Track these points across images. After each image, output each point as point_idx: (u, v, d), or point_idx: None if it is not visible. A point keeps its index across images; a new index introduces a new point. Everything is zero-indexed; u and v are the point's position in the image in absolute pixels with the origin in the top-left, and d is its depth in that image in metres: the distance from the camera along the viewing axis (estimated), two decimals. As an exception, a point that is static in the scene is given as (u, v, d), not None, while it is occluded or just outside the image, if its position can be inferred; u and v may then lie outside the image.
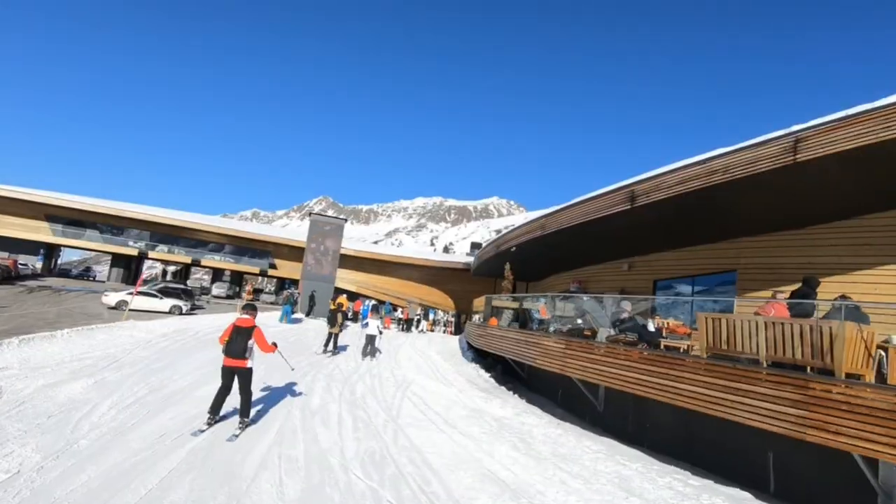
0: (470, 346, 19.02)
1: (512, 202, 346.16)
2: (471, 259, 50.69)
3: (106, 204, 47.67)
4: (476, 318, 23.20)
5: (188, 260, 47.62)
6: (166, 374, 8.84)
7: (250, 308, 6.80)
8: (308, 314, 26.10)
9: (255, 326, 6.42)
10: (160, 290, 30.99)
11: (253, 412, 7.35)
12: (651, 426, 9.46)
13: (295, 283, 43.15)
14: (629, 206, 12.46)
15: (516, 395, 11.98)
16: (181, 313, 26.57)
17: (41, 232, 43.72)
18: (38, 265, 44.34)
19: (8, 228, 42.52)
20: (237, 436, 6.07)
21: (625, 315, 9.75)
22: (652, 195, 11.95)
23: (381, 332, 16.01)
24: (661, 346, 8.86)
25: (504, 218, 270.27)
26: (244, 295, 50.03)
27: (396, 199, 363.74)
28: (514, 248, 18.58)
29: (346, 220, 32.53)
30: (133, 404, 6.93)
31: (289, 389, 9.27)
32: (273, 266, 49.50)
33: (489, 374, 13.84)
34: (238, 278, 53.87)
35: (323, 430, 7.01)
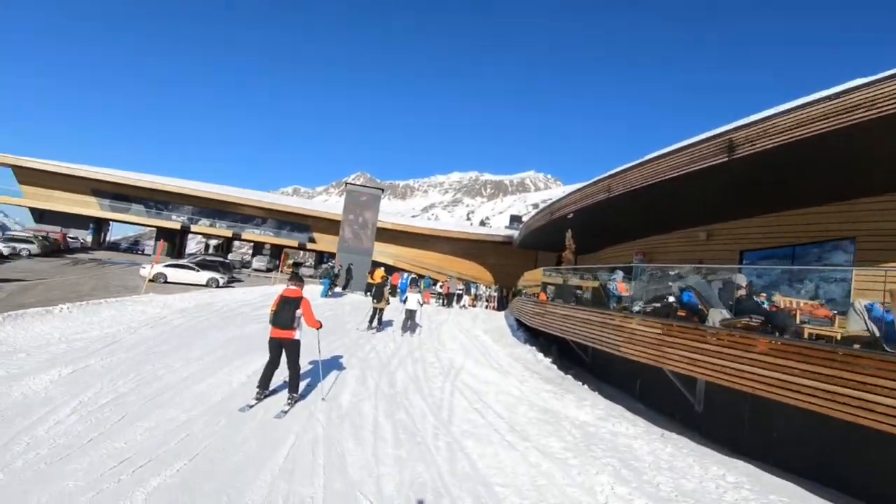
0: (520, 325, 16.87)
1: (549, 176, 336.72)
2: (511, 232, 48.19)
3: (150, 178, 47.58)
4: (525, 293, 20.97)
5: (229, 234, 47.23)
6: (166, 362, 7.11)
7: (297, 279, 6.33)
8: (344, 288, 24.51)
9: (302, 297, 6.06)
10: (198, 263, 30.29)
11: (265, 411, 5.52)
12: (779, 437, 7.12)
13: (333, 256, 41.94)
14: (725, 159, 9.86)
15: (586, 387, 9.79)
16: (218, 286, 25.60)
17: (89, 206, 43.99)
18: (89, 239, 44.86)
19: (58, 203, 42.94)
20: (286, 412, 5.72)
21: (742, 292, 7.34)
22: (757, 143, 9.32)
23: (420, 306, 14.25)
24: (805, 334, 6.43)
25: (541, 192, 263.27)
26: (284, 269, 49.71)
27: (432, 174, 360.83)
28: (570, 215, 16.11)
29: (382, 190, 30.59)
30: (106, 406, 5.16)
31: (315, 380, 7.41)
32: (312, 240, 48.64)
33: (549, 360, 11.69)
34: (278, 252, 53.43)
35: (353, 446, 5.07)
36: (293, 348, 6.00)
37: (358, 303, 19.91)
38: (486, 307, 27.38)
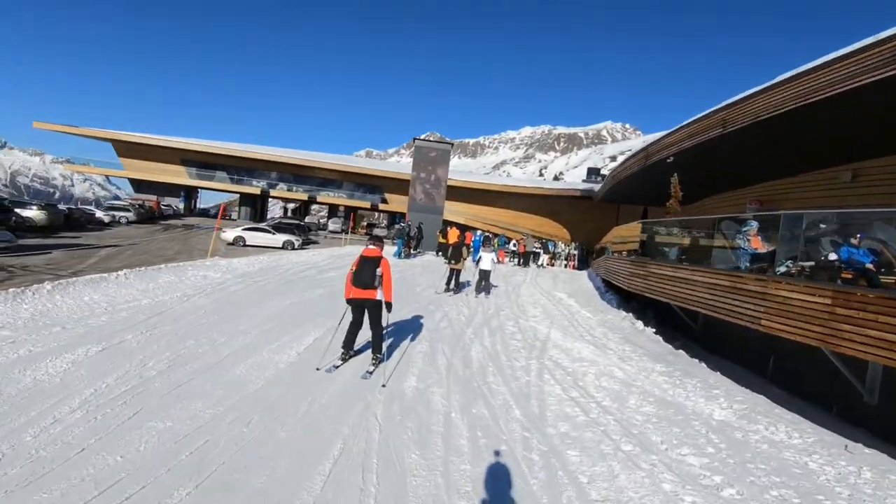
0: (608, 286, 14.87)
1: (627, 126, 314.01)
2: (588, 186, 44.68)
3: (232, 146, 49.25)
4: (614, 251, 18.71)
5: (305, 197, 48.12)
6: (210, 335, 6.22)
7: (377, 239, 6.22)
8: (416, 248, 23.47)
9: (381, 257, 5.85)
10: (274, 226, 30.79)
11: (310, 402, 4.38)
12: None
13: (405, 216, 41.34)
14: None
15: (704, 366, 7.85)
16: (293, 248, 25.74)
17: (179, 175, 46.45)
18: (181, 206, 47.68)
19: (153, 173, 45.64)
20: (371, 373, 5.62)
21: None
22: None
23: (494, 266, 12.96)
24: None
25: (618, 143, 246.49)
26: (358, 230, 50.20)
27: (503, 130, 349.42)
28: (670, 159, 13.55)
29: (451, 145, 28.86)
30: (121, 397, 4.22)
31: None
32: (384, 200, 48.42)
33: (651, 329, 9.77)
34: (352, 213, 54.06)
35: (416, 457, 3.76)
36: (375, 308, 5.76)
37: (429, 264, 18.79)
38: (566, 266, 25.34)
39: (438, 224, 26.28)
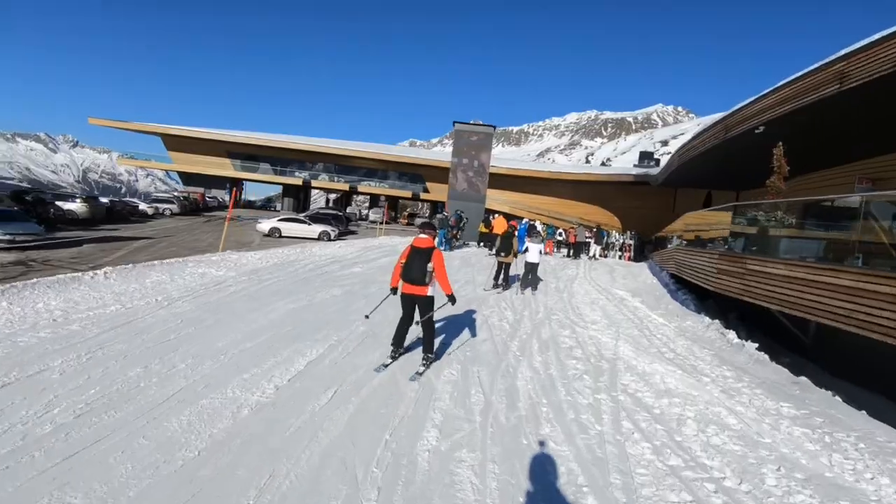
0: (680, 283, 12.52)
1: (679, 108, 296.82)
2: (641, 171, 41.20)
3: (275, 138, 49.05)
4: (684, 241, 16.15)
5: (346, 187, 47.36)
6: (169, 360, 4.65)
7: (429, 227, 5.42)
8: (458, 239, 21.55)
9: (434, 248, 5.16)
10: (311, 217, 29.82)
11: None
12: None
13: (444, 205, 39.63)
14: None
15: (848, 406, 5.59)
16: (329, 239, 24.61)
17: (225, 168, 46.69)
18: (226, 198, 48.04)
19: (200, 166, 46.09)
20: (420, 374, 5.00)
21: None
22: None
23: (542, 254, 11.20)
24: None
25: (670, 127, 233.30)
26: (400, 219, 49.01)
27: (547, 117, 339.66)
28: (760, 129, 10.98)
29: (494, 128, 26.69)
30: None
31: (392, 385, 4.53)
32: (426, 189, 46.90)
33: (752, 344, 7.47)
34: (394, 203, 52.90)
35: None
36: (427, 305, 5.27)
37: (469, 256, 16.94)
38: (620, 258, 22.81)
39: (481, 213, 24.35)
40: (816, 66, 8.83)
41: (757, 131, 10.93)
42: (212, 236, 22.89)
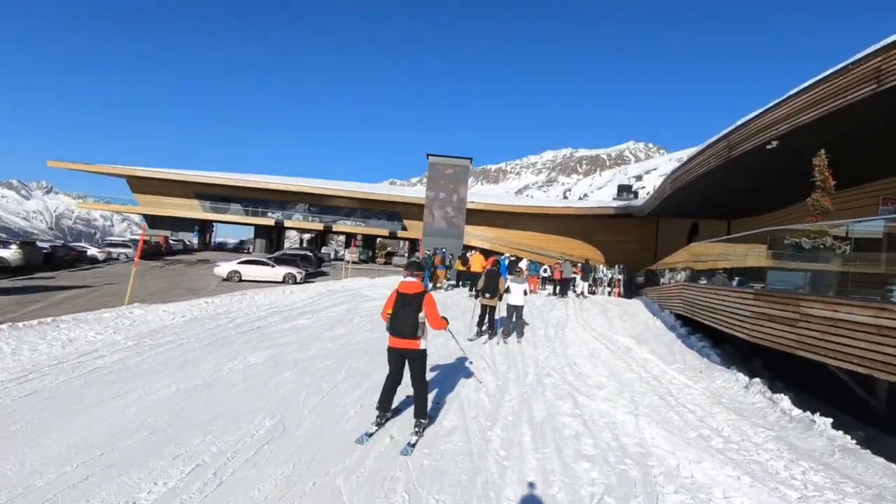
0: (683, 321, 10.62)
1: (650, 145, 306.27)
2: (623, 203, 40.27)
3: (247, 178, 47.13)
4: (678, 276, 14.37)
5: (320, 227, 45.29)
6: None
7: (416, 267, 4.71)
8: (448, 279, 19.33)
9: (424, 292, 4.46)
10: (276, 258, 27.53)
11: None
12: None
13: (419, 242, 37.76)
14: None
15: None
16: (295, 282, 22.31)
17: (193, 209, 44.29)
18: (195, 241, 45.38)
19: (167, 208, 43.61)
20: (413, 445, 4.16)
21: None
22: None
23: (526, 294, 9.66)
24: None
25: (642, 163, 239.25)
26: (377, 259, 46.90)
27: (524, 155, 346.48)
28: (773, 144, 9.42)
29: (471, 160, 25.22)
30: None
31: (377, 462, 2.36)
32: (403, 227, 45.09)
33: (823, 418, 5.44)
34: (371, 242, 50.85)
35: None
36: (418, 361, 4.48)
37: (443, 298, 14.86)
38: (610, 294, 20.98)
39: (458, 250, 22.44)
40: (848, 62, 7.31)
41: (769, 146, 9.35)
42: (164, 282, 20.43)
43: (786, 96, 8.59)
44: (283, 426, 4.22)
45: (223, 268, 22.72)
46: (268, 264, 23.52)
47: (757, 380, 6.50)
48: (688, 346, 9.27)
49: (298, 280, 22.64)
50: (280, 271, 23.01)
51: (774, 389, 6.38)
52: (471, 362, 6.92)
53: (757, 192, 13.30)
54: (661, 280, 18.88)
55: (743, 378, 6.81)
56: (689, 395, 6.29)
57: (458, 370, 6.59)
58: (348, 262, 28.30)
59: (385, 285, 16.41)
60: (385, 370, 4.57)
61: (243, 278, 22.15)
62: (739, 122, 10.25)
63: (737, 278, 8.28)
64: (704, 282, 10.03)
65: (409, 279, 4.54)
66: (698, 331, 10.17)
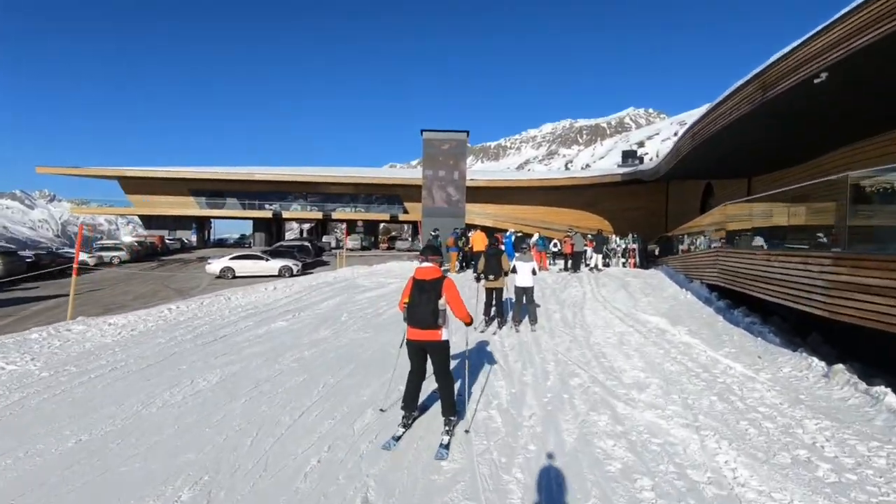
0: (719, 292, 9.20)
1: (650, 110, 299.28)
2: (627, 169, 38.28)
3: (241, 170, 45.69)
4: (698, 241, 12.88)
5: (319, 215, 43.85)
6: None
7: (433, 251, 4.31)
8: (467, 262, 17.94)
9: (443, 277, 4.07)
10: (271, 251, 26.30)
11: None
12: None
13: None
14: None
15: None
16: (292, 274, 21.09)
17: (189, 207, 42.97)
18: (193, 239, 44.18)
19: (162, 207, 42.36)
20: (447, 446, 3.75)
21: None
22: None
23: (535, 274, 8.21)
24: None
25: (643, 129, 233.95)
26: (380, 244, 45.50)
27: (523, 129, 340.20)
28: (822, 76, 7.83)
29: (467, 133, 23.55)
30: None
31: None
32: (405, 210, 43.58)
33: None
34: (373, 228, 49.46)
35: None
36: (441, 353, 4.09)
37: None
38: (625, 265, 19.53)
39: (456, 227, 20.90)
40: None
41: (817, 80, 7.76)
42: (154, 285, 19.27)
43: (841, 13, 6.96)
44: (206, 499, 2.89)
45: (215, 265, 21.51)
46: (262, 258, 22.27)
47: (840, 366, 5.09)
48: (732, 322, 7.85)
49: (295, 272, 21.44)
50: (275, 264, 21.79)
51: (863, 377, 4.98)
52: (479, 362, 5.58)
53: (789, 140, 11.69)
54: (680, 247, 17.40)
55: (818, 364, 5.40)
56: (757, 393, 4.91)
57: (462, 377, 5.25)
58: (342, 250, 26.98)
59: (382, 273, 15.08)
60: (373, 385, 3.25)
61: (237, 274, 20.95)
62: (776, 57, 8.61)
63: (791, 240, 6.78)
64: (747, 245, 8.52)
65: (426, 264, 4.19)
66: (739, 302, 8.76)
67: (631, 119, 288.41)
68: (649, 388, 5.15)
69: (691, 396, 4.87)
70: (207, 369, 5.32)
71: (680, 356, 6.26)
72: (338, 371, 5.40)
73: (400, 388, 4.38)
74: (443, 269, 4.97)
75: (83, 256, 26.14)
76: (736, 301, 8.92)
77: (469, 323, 4.33)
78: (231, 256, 22.17)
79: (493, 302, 8.23)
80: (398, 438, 3.90)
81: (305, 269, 22.78)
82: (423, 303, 4.00)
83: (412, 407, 4.19)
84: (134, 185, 42.54)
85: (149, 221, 44.47)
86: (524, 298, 8.16)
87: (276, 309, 9.09)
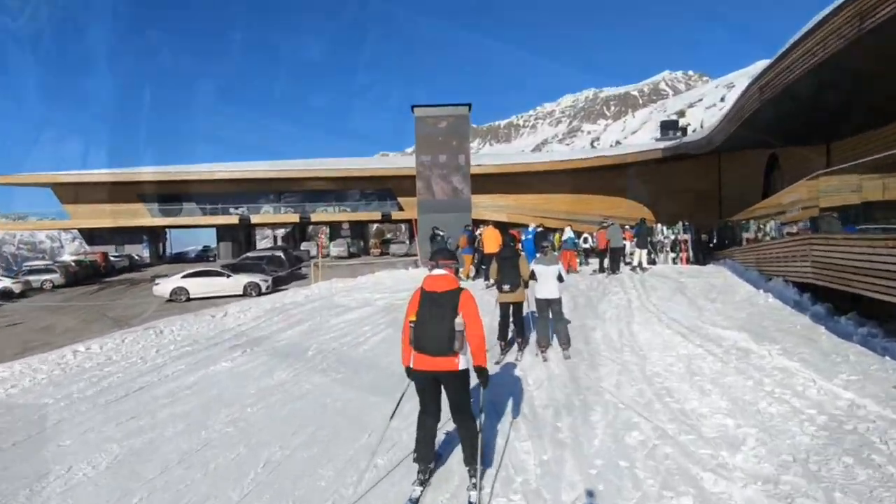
0: (812, 293, 8.20)
1: (690, 73, 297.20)
2: (669, 143, 37.05)
3: (199, 168, 45.10)
4: (776, 226, 11.82)
5: (296, 218, 43.02)
6: None
7: (445, 255, 4.10)
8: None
9: (460, 289, 3.84)
10: (234, 266, 25.50)
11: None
12: None
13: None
14: None
15: None
16: (259, 293, 20.31)
17: (138, 215, 42.34)
18: (145, 254, 43.56)
19: (105, 218, 41.48)
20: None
21: None
22: None
23: (562, 281, 7.29)
24: None
25: (682, 95, 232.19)
26: (371, 249, 44.69)
27: (538, 104, 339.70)
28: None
29: (469, 106, 22.61)
30: None
31: None
32: (398, 207, 42.58)
33: None
34: (361, 231, 48.65)
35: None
36: (459, 385, 3.81)
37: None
38: (675, 261, 18.51)
39: (467, 224, 19.91)
40: None
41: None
42: (82, 315, 18.51)
43: None
44: None
45: (165, 285, 20.77)
46: (222, 274, 21.48)
47: None
48: (840, 335, 6.82)
49: (264, 289, 20.66)
50: (240, 281, 20.99)
51: None
52: (494, 407, 4.62)
53: (892, 89, 10.64)
54: (744, 235, 16.36)
55: None
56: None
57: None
58: (317, 259, 26.27)
59: (368, 287, 14.15)
60: (339, 459, 2.36)
61: (192, 296, 20.14)
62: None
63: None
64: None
65: (438, 271, 3.97)
66: (841, 305, 7.74)
67: (667, 84, 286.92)
68: (745, 443, 4.18)
69: (813, 457, 3.87)
70: (100, 445, 4.39)
71: (779, 390, 5.26)
72: (289, 440, 4.46)
73: (379, 463, 3.43)
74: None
75: (6, 282, 25.55)
76: (836, 303, 7.91)
77: (482, 355, 3.82)
78: (184, 274, 21.41)
79: (512, 319, 7.33)
80: (416, 501, 3.64)
81: (277, 285, 22.00)
82: (436, 322, 3.73)
83: (428, 458, 3.90)
84: (70, 193, 41.89)
85: (91, 236, 43.84)
86: (549, 312, 7.23)
87: (222, 344, 8.18)
